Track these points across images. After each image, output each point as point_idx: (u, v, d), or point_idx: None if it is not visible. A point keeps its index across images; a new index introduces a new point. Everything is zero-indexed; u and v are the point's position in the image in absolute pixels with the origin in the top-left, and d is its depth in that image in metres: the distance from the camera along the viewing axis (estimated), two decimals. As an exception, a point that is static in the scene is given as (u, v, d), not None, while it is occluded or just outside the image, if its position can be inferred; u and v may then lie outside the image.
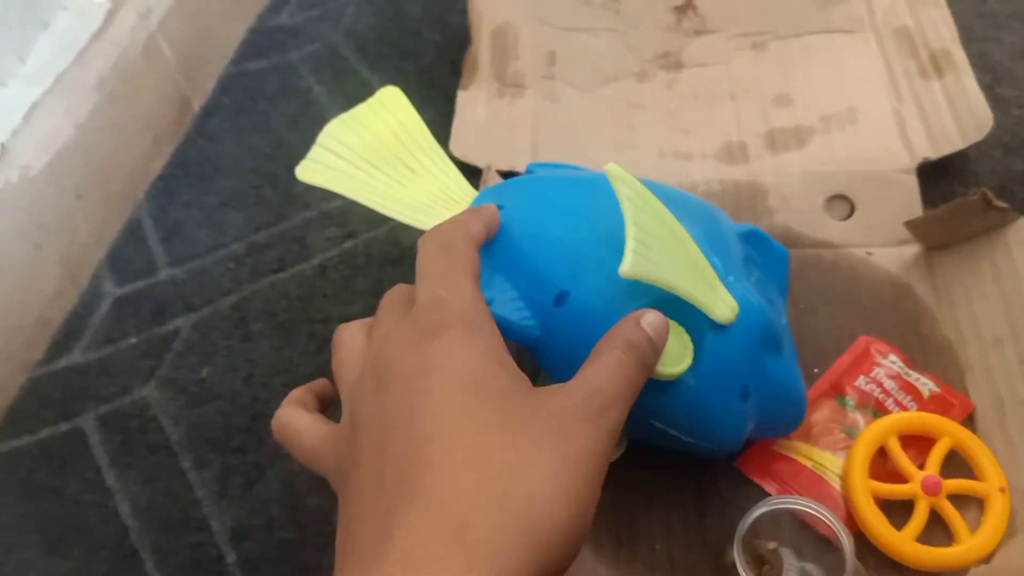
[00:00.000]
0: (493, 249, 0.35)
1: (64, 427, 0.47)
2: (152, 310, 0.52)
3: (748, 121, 0.55)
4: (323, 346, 0.49)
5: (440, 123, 0.60)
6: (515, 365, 0.28)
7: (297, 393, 0.34)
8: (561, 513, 0.25)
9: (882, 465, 0.40)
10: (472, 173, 0.55)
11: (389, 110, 0.43)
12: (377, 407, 0.27)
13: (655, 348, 0.30)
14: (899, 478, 0.39)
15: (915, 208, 0.50)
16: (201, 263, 0.54)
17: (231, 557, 0.42)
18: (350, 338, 0.32)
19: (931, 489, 0.38)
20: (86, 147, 0.51)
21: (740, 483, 0.41)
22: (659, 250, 0.31)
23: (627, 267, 0.29)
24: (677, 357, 0.32)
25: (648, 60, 0.59)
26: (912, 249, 0.48)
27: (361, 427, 0.28)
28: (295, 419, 0.32)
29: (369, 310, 0.33)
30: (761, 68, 0.58)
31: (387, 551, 0.24)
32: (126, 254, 0.54)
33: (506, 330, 0.33)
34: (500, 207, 0.36)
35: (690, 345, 0.32)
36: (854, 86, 0.56)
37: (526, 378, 0.28)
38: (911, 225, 0.48)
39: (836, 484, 0.39)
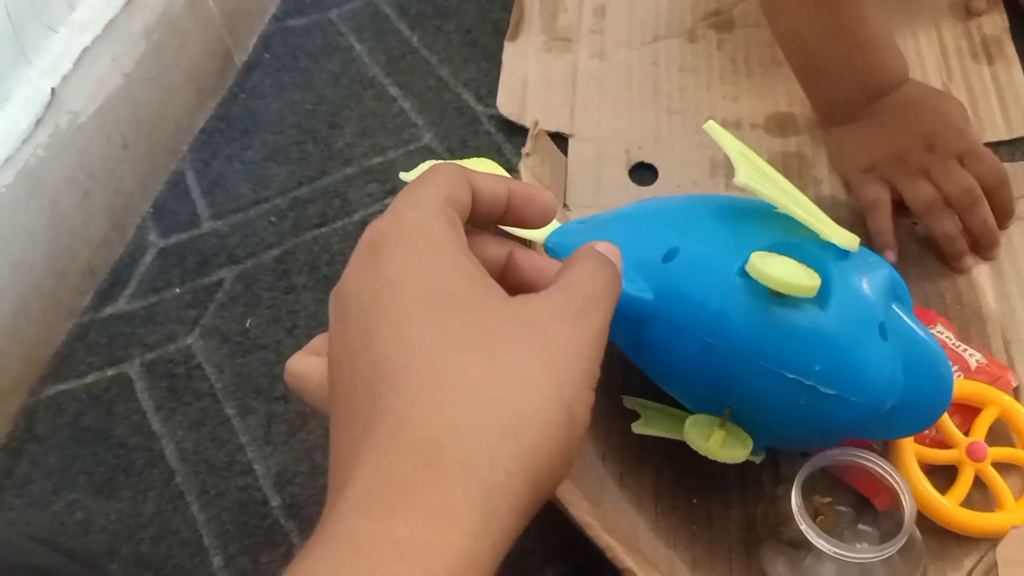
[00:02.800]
0: (601, 229, 0.35)
1: (110, 372, 0.48)
2: (196, 261, 0.52)
3: (795, 91, 0.54)
4: (365, 301, 0.50)
5: (481, 82, 0.60)
6: (484, 275, 0.26)
7: (315, 341, 0.33)
8: (549, 418, 0.23)
9: (926, 432, 0.40)
10: (518, 132, 0.55)
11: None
12: (340, 336, 0.26)
13: (619, 267, 0.28)
14: (943, 445, 0.39)
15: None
16: (244, 216, 0.54)
17: (275, 501, 0.43)
18: None
19: (976, 455, 0.38)
20: (133, 96, 0.51)
21: (781, 445, 0.41)
22: (767, 179, 0.31)
23: (741, 177, 0.30)
24: (807, 278, 0.31)
25: (698, 18, 0.59)
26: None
27: (332, 361, 0.26)
28: (301, 364, 0.31)
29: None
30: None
31: (356, 478, 0.22)
32: (170, 206, 0.55)
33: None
34: (580, 223, 0.36)
35: (816, 273, 0.31)
36: (906, 56, 0.55)
37: (496, 287, 0.26)
38: None
39: (878, 448, 0.39)
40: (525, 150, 0.49)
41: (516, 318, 0.25)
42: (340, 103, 0.60)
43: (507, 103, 0.56)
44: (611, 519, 0.39)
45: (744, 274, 0.31)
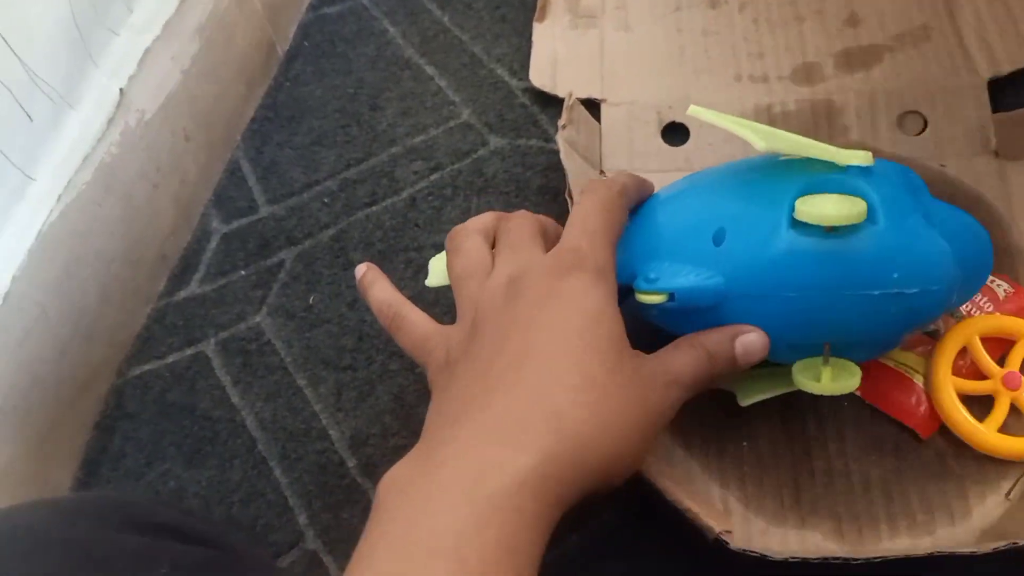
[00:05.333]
0: (640, 241, 0.37)
1: (189, 352, 0.52)
2: (258, 244, 0.55)
3: (820, 42, 0.56)
4: (418, 272, 0.52)
5: (514, 57, 0.62)
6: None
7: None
8: (613, 455, 0.30)
9: (961, 364, 0.42)
10: (552, 103, 0.58)
11: None
12: (505, 313, 0.32)
13: (737, 365, 0.34)
14: (979, 376, 0.41)
15: (986, 121, 0.51)
16: (298, 200, 0.57)
17: (352, 462, 0.47)
18: (475, 248, 0.36)
19: (1011, 384, 0.40)
20: (191, 92, 0.54)
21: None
22: (772, 133, 0.34)
23: (761, 144, 0.32)
24: (854, 205, 0.32)
25: (719, -15, 0.60)
26: (984, 161, 0.50)
27: (484, 325, 0.32)
28: (410, 312, 0.37)
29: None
30: (830, -12, 0.59)
31: (482, 412, 0.29)
32: (229, 193, 0.58)
33: (691, 297, 0.34)
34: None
35: (858, 199, 0.33)
36: (923, 4, 0.57)
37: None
38: (1001, 120, 0.50)
39: (919, 382, 0.42)
40: (561, 122, 0.51)
41: (633, 372, 0.32)
42: (379, 85, 0.62)
43: (539, 76, 0.59)
44: (665, 464, 0.42)
45: (794, 224, 0.33)
